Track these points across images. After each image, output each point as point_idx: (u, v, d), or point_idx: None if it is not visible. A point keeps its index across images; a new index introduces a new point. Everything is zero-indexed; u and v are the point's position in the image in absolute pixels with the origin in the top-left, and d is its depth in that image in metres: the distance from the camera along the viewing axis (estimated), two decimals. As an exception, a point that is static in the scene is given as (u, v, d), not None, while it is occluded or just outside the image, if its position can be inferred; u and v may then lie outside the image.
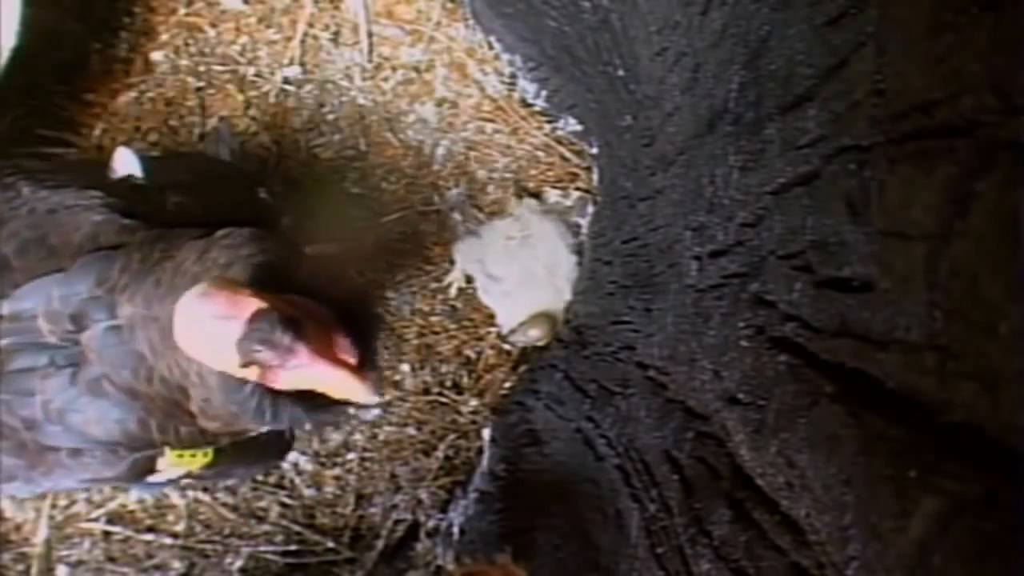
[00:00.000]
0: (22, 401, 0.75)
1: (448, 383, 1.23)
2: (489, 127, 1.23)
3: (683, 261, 0.68)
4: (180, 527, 1.17)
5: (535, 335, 1.17)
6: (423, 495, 1.23)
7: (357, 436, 1.21)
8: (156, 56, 1.18)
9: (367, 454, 1.22)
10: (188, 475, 0.88)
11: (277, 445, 0.94)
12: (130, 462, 0.80)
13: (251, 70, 1.19)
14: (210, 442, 0.82)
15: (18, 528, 1.13)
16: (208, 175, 0.91)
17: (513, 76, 1.22)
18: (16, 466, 0.79)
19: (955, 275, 0.32)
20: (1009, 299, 0.29)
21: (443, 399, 1.23)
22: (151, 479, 0.85)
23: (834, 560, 0.39)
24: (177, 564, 1.17)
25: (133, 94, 1.17)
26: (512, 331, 1.18)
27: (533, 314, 1.16)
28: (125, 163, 0.82)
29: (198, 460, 0.82)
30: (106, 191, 0.79)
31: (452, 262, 1.22)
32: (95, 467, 0.80)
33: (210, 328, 0.62)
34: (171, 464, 0.81)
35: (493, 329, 1.23)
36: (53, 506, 1.13)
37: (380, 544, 1.21)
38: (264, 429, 0.80)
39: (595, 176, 1.18)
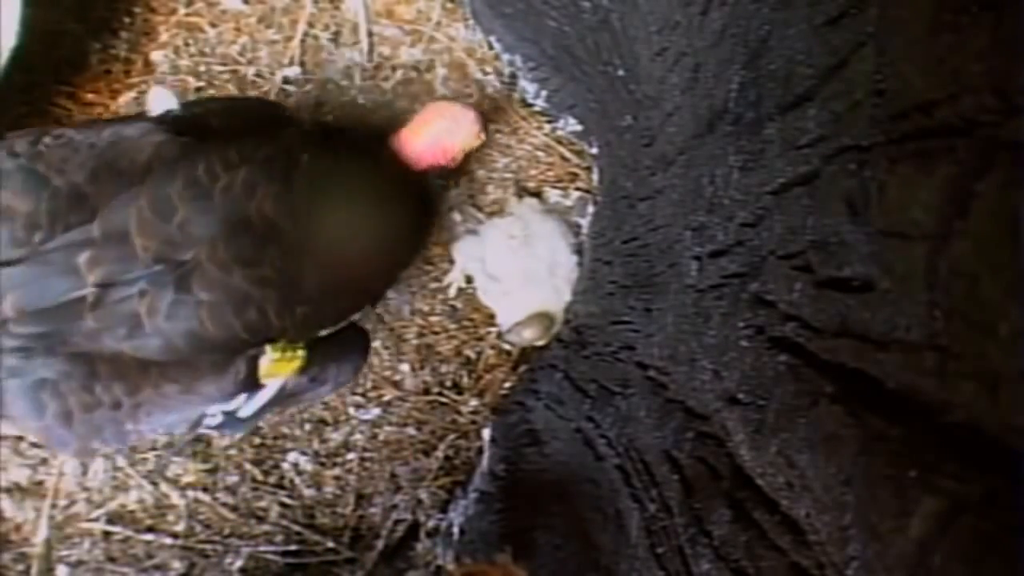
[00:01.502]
0: (122, 321, 0.75)
1: (448, 383, 1.23)
2: (489, 127, 1.23)
3: (683, 261, 0.68)
4: (180, 527, 1.17)
5: (533, 334, 1.17)
6: (423, 495, 1.23)
7: (357, 436, 1.21)
8: (156, 56, 1.18)
9: (367, 454, 1.22)
10: (286, 392, 0.88)
11: (358, 341, 0.96)
12: (236, 372, 0.81)
13: (251, 70, 1.19)
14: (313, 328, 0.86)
15: (18, 528, 1.13)
16: (236, 102, 0.94)
17: (513, 76, 1.22)
18: (105, 418, 0.78)
19: (955, 275, 0.32)
20: (1009, 299, 0.29)
21: (443, 399, 1.23)
22: (252, 402, 0.85)
23: (834, 560, 0.39)
24: (177, 564, 1.17)
25: (133, 94, 1.17)
26: (510, 330, 1.18)
27: (532, 314, 1.16)
28: (161, 100, 0.84)
29: (294, 363, 0.84)
30: (153, 122, 0.82)
31: (452, 262, 1.22)
32: (203, 387, 0.80)
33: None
34: (271, 369, 0.82)
35: (493, 329, 1.23)
36: (53, 506, 1.13)
37: (380, 544, 1.21)
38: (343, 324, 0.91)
39: (595, 176, 1.18)
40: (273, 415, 0.97)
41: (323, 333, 0.90)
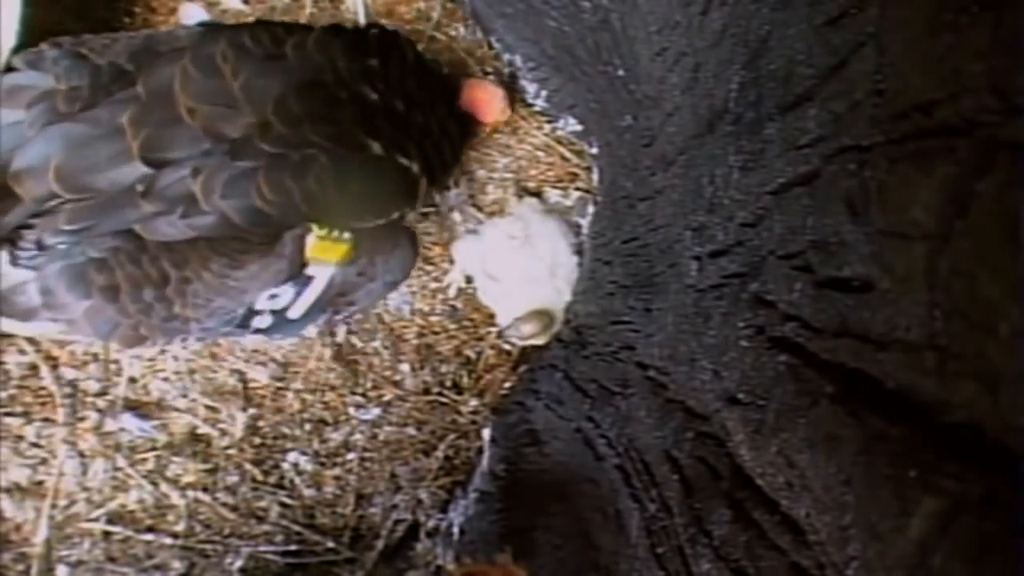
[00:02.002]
0: (176, 203, 0.74)
1: (448, 383, 1.23)
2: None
3: (683, 261, 0.68)
4: (180, 527, 1.17)
5: (531, 331, 1.17)
6: (423, 495, 1.23)
7: (357, 436, 1.21)
8: (156, 56, 1.18)
9: (367, 454, 1.22)
10: (334, 288, 0.87)
11: (406, 236, 0.94)
12: (283, 249, 0.80)
13: (251, 70, 1.19)
14: None
15: (18, 528, 1.13)
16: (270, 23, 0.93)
17: (513, 76, 1.22)
18: (152, 295, 0.78)
19: (955, 275, 0.32)
20: (1009, 299, 0.29)
21: (443, 399, 1.23)
22: (301, 298, 0.85)
23: (834, 560, 0.39)
24: (177, 564, 1.17)
25: (133, 94, 1.17)
26: (510, 325, 1.18)
27: (532, 310, 1.16)
28: (192, 15, 0.85)
29: (341, 247, 0.83)
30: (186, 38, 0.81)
31: (452, 262, 1.22)
32: (250, 263, 0.79)
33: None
34: (317, 250, 0.82)
35: (493, 329, 1.23)
36: (53, 506, 1.13)
37: (380, 544, 1.21)
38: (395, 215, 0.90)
39: (595, 176, 1.18)
40: (321, 319, 0.94)
41: (369, 224, 0.89)
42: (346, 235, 0.83)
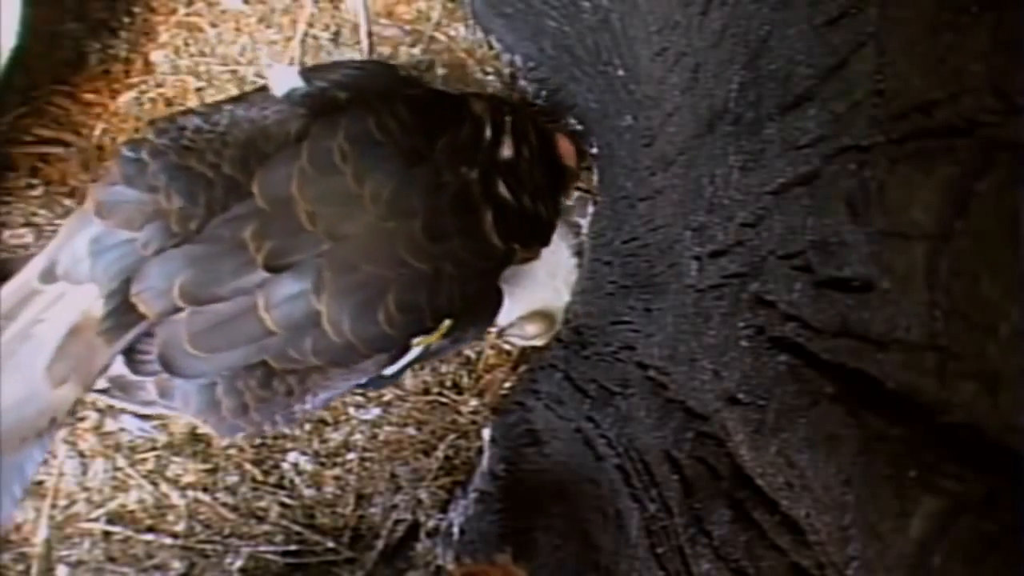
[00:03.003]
0: (303, 330, 0.71)
1: (448, 383, 1.23)
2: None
3: (683, 261, 0.68)
4: (180, 527, 1.17)
5: (534, 331, 1.17)
6: (423, 495, 1.23)
7: (357, 436, 1.21)
8: (156, 56, 1.18)
9: (367, 454, 1.21)
10: (428, 353, 0.87)
11: (494, 298, 0.92)
12: (394, 350, 0.79)
13: (251, 70, 1.19)
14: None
15: (18, 528, 1.13)
16: (362, 70, 0.89)
17: (513, 76, 1.22)
18: (279, 405, 0.77)
19: (955, 275, 0.32)
20: (1009, 299, 0.29)
21: (443, 399, 1.23)
22: (399, 362, 0.84)
23: (834, 560, 0.39)
24: (177, 564, 1.17)
25: (133, 94, 1.17)
26: (512, 326, 1.18)
27: (533, 311, 1.16)
28: (283, 80, 0.81)
29: (441, 331, 0.83)
30: (285, 103, 0.77)
31: (452, 262, 1.22)
32: (364, 365, 0.79)
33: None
34: (419, 340, 0.82)
35: (493, 329, 1.23)
36: (53, 506, 1.13)
37: (380, 544, 1.21)
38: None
39: (595, 176, 1.18)
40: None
41: None
42: (447, 319, 0.82)
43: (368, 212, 0.72)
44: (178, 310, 0.71)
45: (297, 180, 0.71)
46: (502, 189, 0.83)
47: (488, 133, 0.84)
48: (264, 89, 0.81)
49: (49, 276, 0.72)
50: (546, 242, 0.97)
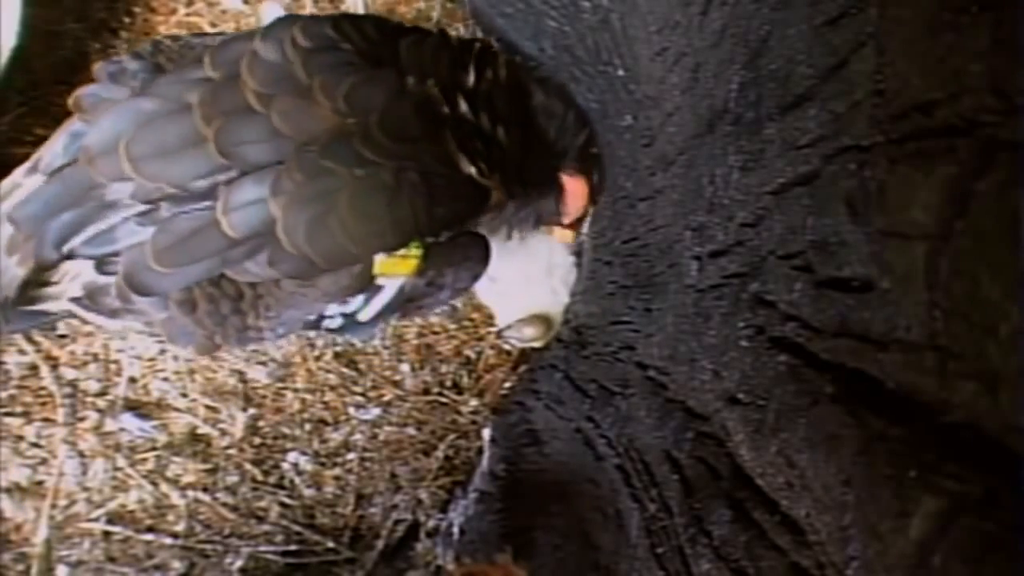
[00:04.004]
0: (259, 242, 0.71)
1: (448, 383, 1.23)
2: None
3: (683, 261, 0.68)
4: (180, 527, 1.17)
5: (531, 334, 1.17)
6: (423, 495, 1.23)
7: (357, 436, 1.21)
8: (156, 56, 1.18)
9: (367, 454, 1.22)
10: (404, 295, 0.85)
11: (476, 246, 0.90)
12: (358, 274, 0.78)
13: (251, 70, 1.19)
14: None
15: (18, 528, 1.13)
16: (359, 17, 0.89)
17: (513, 76, 1.22)
18: (229, 308, 0.77)
19: (955, 275, 0.32)
20: (1009, 299, 0.29)
21: (443, 399, 1.23)
22: (371, 304, 0.83)
23: (834, 560, 0.39)
24: (177, 564, 1.17)
25: (133, 94, 1.16)
26: (509, 326, 1.18)
27: (529, 314, 1.16)
28: (272, 12, 0.82)
29: (410, 262, 0.80)
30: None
31: (452, 262, 1.22)
32: (320, 280, 0.77)
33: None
34: (386, 267, 0.79)
35: (493, 329, 1.23)
36: (53, 506, 1.13)
37: (380, 544, 1.21)
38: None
39: (595, 176, 1.18)
40: (388, 323, 0.92)
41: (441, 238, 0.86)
42: (415, 250, 0.80)
43: (321, 106, 0.72)
44: (128, 179, 0.70)
45: (247, 60, 0.71)
46: (464, 108, 0.81)
47: (453, 53, 0.83)
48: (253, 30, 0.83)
49: (31, 171, 0.76)
50: (517, 181, 0.92)
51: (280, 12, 0.81)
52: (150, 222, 0.72)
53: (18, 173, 0.78)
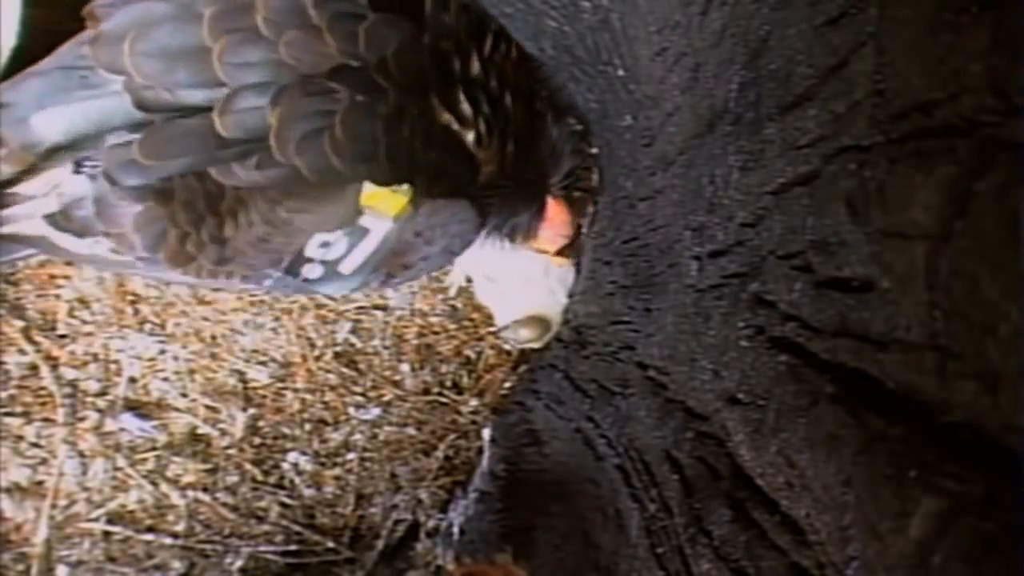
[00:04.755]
0: (251, 145, 0.71)
1: (448, 383, 1.23)
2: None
3: (683, 261, 0.68)
4: (180, 527, 1.17)
5: (528, 336, 1.16)
6: (423, 495, 1.23)
7: (357, 436, 1.21)
8: (156, 56, 1.18)
9: (367, 454, 1.22)
10: (389, 245, 0.83)
11: (468, 209, 0.88)
12: (343, 200, 0.77)
13: (251, 70, 1.19)
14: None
15: (18, 528, 1.13)
16: None
17: (513, 76, 1.22)
18: (204, 240, 0.76)
19: (955, 275, 0.32)
20: (1009, 299, 0.29)
21: (443, 399, 1.23)
22: (354, 252, 0.81)
23: (834, 560, 0.39)
24: (177, 564, 1.17)
25: (133, 94, 1.17)
26: (507, 327, 1.18)
27: (528, 315, 1.16)
28: None
29: (398, 199, 0.79)
30: None
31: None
32: (307, 207, 0.76)
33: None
34: (372, 198, 0.78)
35: (493, 329, 1.23)
36: (53, 506, 1.13)
37: (380, 544, 1.21)
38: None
39: (595, 176, 1.18)
40: (374, 282, 0.88)
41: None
42: (405, 187, 0.78)
43: (328, 46, 0.72)
44: (126, 73, 0.70)
45: None
46: (476, 69, 0.82)
47: (474, 19, 0.84)
48: None
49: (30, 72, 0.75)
50: (512, 158, 0.92)
51: None
52: (140, 131, 0.71)
53: (20, 74, 0.77)
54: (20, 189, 0.77)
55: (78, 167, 0.74)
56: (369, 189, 0.77)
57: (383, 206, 0.79)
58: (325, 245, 0.80)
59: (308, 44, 0.72)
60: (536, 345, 1.19)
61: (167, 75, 0.70)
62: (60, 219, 0.77)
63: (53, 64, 0.76)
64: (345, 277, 0.85)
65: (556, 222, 1.02)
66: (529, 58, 0.94)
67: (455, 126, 0.81)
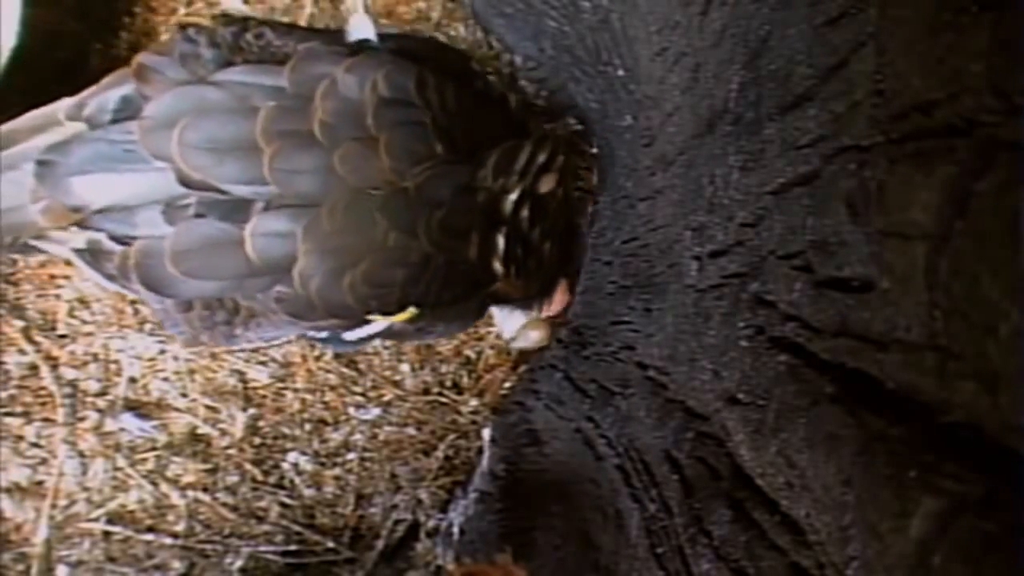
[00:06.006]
0: (274, 275, 0.71)
1: (448, 383, 1.23)
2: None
3: (683, 261, 0.68)
4: (180, 527, 1.17)
5: (535, 337, 1.17)
6: (423, 495, 1.23)
7: (357, 436, 1.21)
8: (156, 56, 1.18)
9: (367, 454, 1.21)
10: (392, 330, 0.85)
11: (473, 310, 0.90)
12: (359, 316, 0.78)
13: (251, 70, 1.19)
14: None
15: (18, 528, 1.13)
16: (439, 51, 0.89)
17: (513, 76, 1.22)
18: (221, 318, 0.76)
19: (955, 275, 0.32)
20: (1009, 299, 0.29)
21: (443, 399, 1.23)
22: (358, 331, 0.83)
23: (834, 560, 0.39)
24: (177, 564, 1.17)
25: (133, 94, 1.16)
26: (513, 337, 1.18)
27: (531, 318, 1.16)
28: (361, 28, 0.81)
29: (404, 315, 0.80)
30: (348, 49, 0.77)
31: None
32: (315, 319, 0.77)
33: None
34: (380, 317, 0.79)
35: (493, 329, 1.23)
36: (53, 506, 1.13)
37: (380, 544, 1.21)
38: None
39: (595, 176, 1.18)
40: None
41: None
42: (412, 310, 0.80)
43: (382, 161, 0.71)
44: (172, 162, 0.69)
45: (324, 86, 0.70)
46: (524, 215, 0.82)
47: (541, 159, 0.83)
48: (339, 32, 0.81)
49: (74, 114, 0.75)
50: (535, 292, 0.96)
51: (370, 28, 0.80)
52: (174, 220, 0.71)
53: (59, 109, 0.76)
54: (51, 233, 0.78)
55: (111, 237, 0.75)
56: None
57: (387, 319, 0.81)
58: None
59: (362, 156, 0.71)
60: (544, 344, 1.19)
61: (215, 168, 0.69)
62: (88, 258, 0.77)
63: (95, 116, 0.75)
64: (347, 343, 0.89)
65: (558, 302, 1.07)
66: (576, 193, 0.97)
67: (489, 266, 0.82)
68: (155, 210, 0.71)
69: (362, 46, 0.79)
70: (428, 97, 0.75)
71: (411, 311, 0.80)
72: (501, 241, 0.80)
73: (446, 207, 0.74)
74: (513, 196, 0.80)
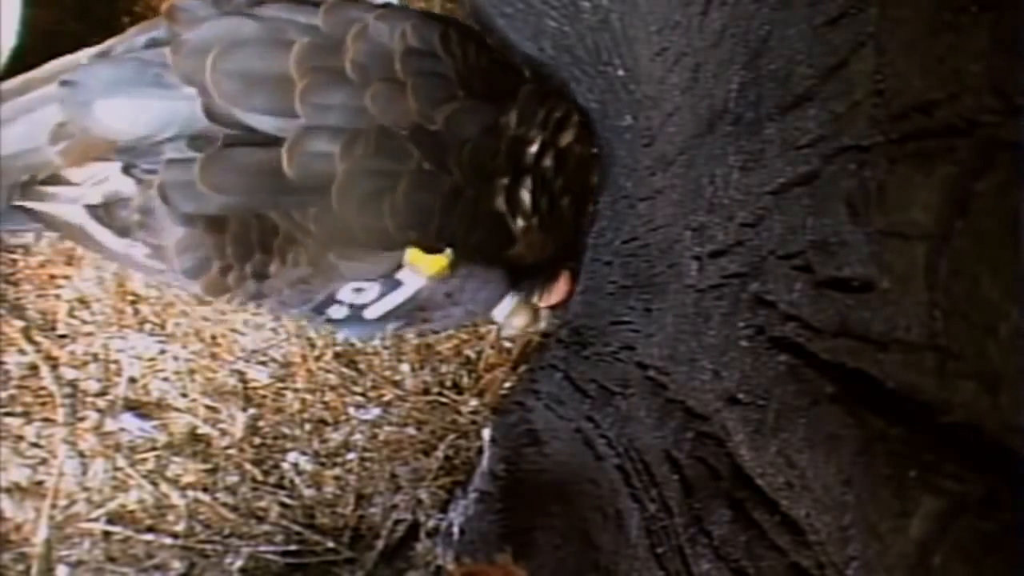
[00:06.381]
0: (315, 192, 0.71)
1: (448, 383, 1.23)
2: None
3: (683, 261, 0.68)
4: (180, 527, 1.17)
5: (519, 323, 1.16)
6: (423, 495, 1.23)
7: (357, 436, 1.21)
8: (156, 56, 1.18)
9: (367, 454, 1.22)
10: (418, 301, 0.85)
11: (502, 277, 0.91)
12: (387, 256, 0.77)
13: (251, 70, 1.19)
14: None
15: (18, 528, 1.13)
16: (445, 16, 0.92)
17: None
18: (246, 274, 0.75)
19: (955, 275, 0.32)
20: (1009, 299, 0.29)
21: (443, 399, 1.23)
22: (381, 302, 0.82)
23: (834, 560, 0.39)
24: (177, 564, 1.17)
25: (133, 94, 1.16)
26: (502, 327, 1.18)
27: (517, 304, 1.16)
28: None
29: (440, 261, 0.80)
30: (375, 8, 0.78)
31: (452, 262, 1.21)
32: (352, 255, 0.76)
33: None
34: (415, 258, 0.79)
35: (493, 328, 1.23)
36: (53, 506, 1.13)
37: (380, 544, 1.21)
38: None
39: (595, 176, 1.18)
40: (389, 330, 0.94)
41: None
42: (448, 250, 0.80)
43: (410, 103, 0.72)
44: (206, 92, 0.68)
45: (356, 28, 0.71)
46: (548, 163, 0.83)
47: (558, 114, 0.86)
48: None
49: (100, 56, 0.74)
50: (549, 255, 0.95)
51: None
52: (201, 148, 0.70)
53: (82, 54, 0.75)
54: (66, 173, 0.75)
55: (129, 168, 0.73)
56: (415, 249, 0.79)
57: (423, 264, 0.81)
58: (358, 290, 0.82)
59: (392, 97, 0.72)
60: (532, 330, 1.18)
61: (245, 98, 0.69)
62: (102, 213, 0.75)
63: (124, 51, 0.74)
64: (366, 323, 0.87)
65: (558, 292, 1.07)
66: (594, 157, 0.97)
67: (506, 213, 0.82)
68: (180, 143, 0.70)
69: (389, 4, 0.81)
70: (452, 51, 0.76)
71: (447, 255, 0.80)
72: (526, 190, 0.81)
73: (473, 142, 0.75)
74: (536, 145, 0.82)
